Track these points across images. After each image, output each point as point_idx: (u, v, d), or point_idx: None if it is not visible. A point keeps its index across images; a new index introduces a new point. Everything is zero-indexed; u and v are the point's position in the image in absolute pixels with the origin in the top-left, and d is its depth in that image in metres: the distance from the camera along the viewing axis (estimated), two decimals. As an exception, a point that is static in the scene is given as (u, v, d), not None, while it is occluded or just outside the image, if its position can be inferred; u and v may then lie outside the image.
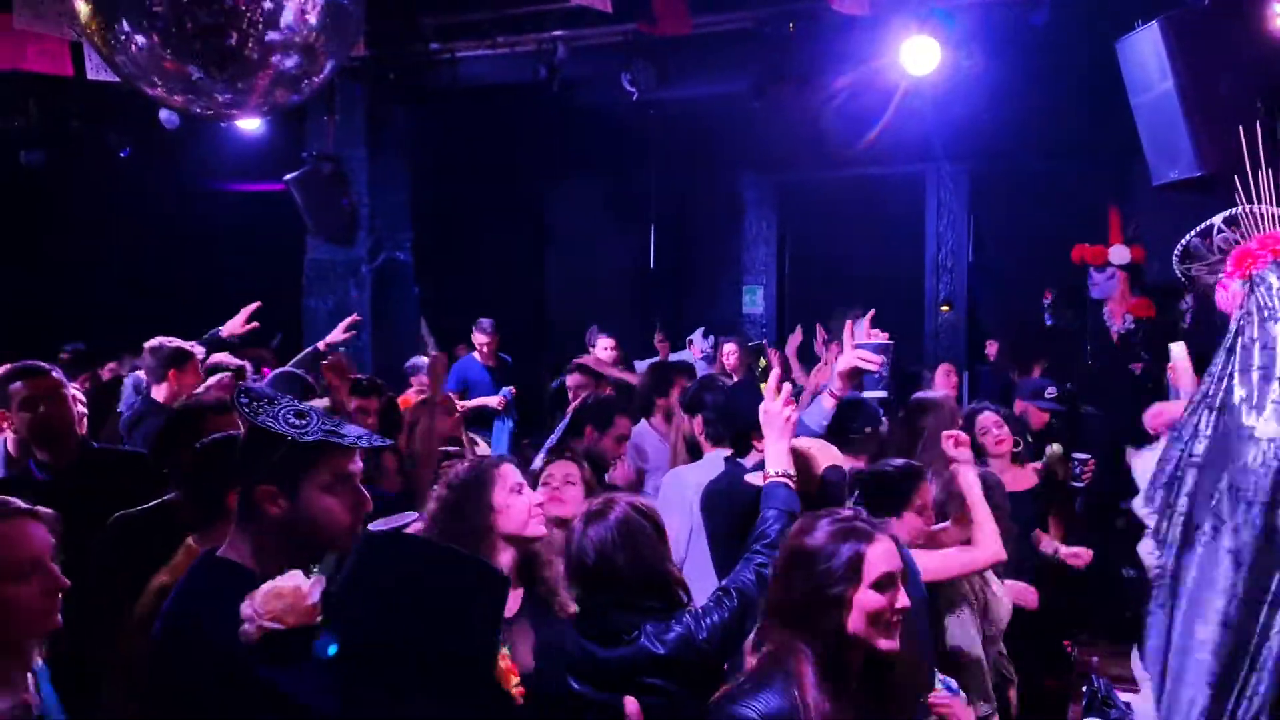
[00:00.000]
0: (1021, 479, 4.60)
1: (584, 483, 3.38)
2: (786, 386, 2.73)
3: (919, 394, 4.54)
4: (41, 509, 2.01)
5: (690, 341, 8.75)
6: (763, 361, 7.27)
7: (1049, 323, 7.76)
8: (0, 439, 3.66)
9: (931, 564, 3.18)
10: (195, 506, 2.64)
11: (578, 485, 3.31)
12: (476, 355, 7.79)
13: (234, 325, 5.23)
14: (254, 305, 5.17)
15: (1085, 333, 6.39)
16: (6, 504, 1.98)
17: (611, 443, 4.49)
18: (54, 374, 3.51)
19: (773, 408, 2.72)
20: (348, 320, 5.45)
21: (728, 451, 3.77)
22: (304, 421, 2.03)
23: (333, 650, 1.60)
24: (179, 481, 2.90)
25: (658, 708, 2.50)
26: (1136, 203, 7.14)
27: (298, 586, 1.77)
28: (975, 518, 3.36)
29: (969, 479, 3.43)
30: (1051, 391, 6.04)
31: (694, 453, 4.26)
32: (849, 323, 3.26)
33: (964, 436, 3.64)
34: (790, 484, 2.68)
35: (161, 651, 2.05)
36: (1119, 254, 6.03)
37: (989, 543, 3.32)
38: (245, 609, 1.78)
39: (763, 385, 3.22)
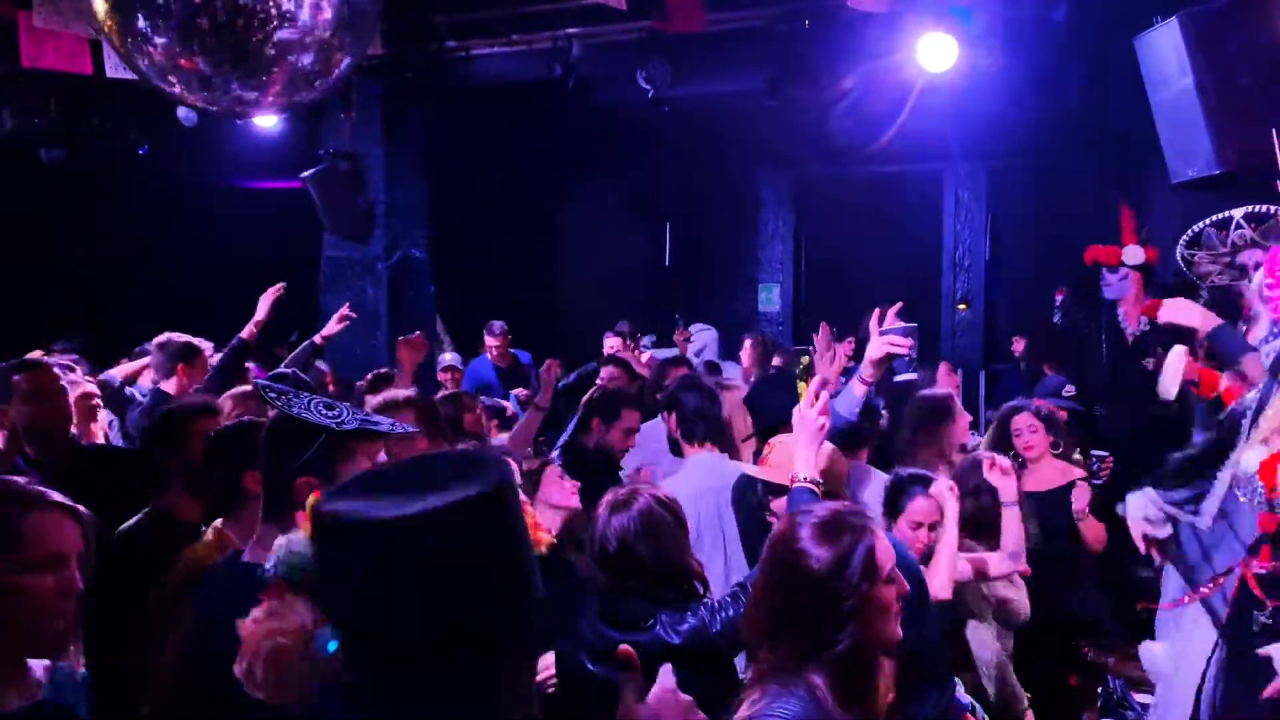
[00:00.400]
0: (1060, 474, 4.37)
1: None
2: (824, 395, 2.73)
3: (922, 392, 4.53)
4: (82, 509, 1.93)
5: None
6: (804, 360, 7.21)
7: (1057, 321, 7.68)
8: None
9: None
10: (212, 494, 2.66)
11: (565, 479, 3.44)
12: (488, 356, 7.83)
13: (260, 314, 4.81)
14: (277, 288, 4.81)
15: (1101, 334, 6.32)
16: (43, 495, 1.91)
17: (619, 435, 4.49)
18: (53, 369, 3.54)
19: (809, 413, 2.71)
20: (341, 311, 5.26)
21: (705, 452, 3.84)
22: (336, 413, 2.04)
23: (333, 646, 1.38)
24: (179, 475, 2.94)
25: None
26: (1154, 201, 7.08)
27: (302, 636, 1.41)
28: (940, 543, 3.24)
29: (949, 503, 3.28)
30: (1069, 390, 6.00)
31: (677, 452, 4.25)
32: (876, 311, 3.25)
33: (1006, 465, 3.59)
34: (816, 490, 2.69)
35: (187, 662, 2.09)
36: (1133, 254, 5.95)
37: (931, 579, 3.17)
38: (247, 680, 1.46)
39: (802, 385, 3.25)
